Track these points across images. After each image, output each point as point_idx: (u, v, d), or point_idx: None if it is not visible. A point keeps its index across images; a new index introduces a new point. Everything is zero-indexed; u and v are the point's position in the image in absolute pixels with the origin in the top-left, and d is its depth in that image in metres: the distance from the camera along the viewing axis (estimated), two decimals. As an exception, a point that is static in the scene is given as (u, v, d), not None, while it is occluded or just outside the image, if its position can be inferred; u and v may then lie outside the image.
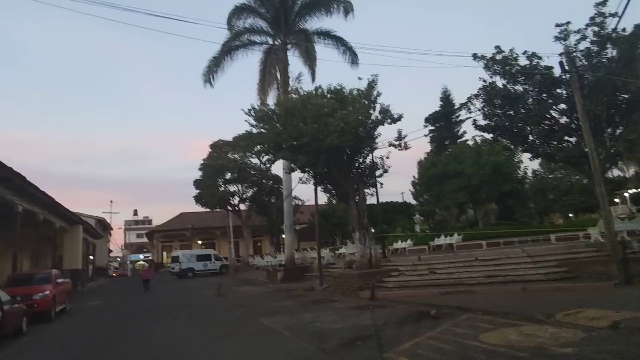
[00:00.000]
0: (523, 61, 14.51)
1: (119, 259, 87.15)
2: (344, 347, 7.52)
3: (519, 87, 14.68)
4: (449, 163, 30.59)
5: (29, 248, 27.29)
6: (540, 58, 14.32)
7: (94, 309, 17.92)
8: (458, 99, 49.96)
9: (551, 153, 14.93)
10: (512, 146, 17.56)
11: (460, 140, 44.79)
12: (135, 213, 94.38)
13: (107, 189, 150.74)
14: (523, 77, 14.48)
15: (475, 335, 7.30)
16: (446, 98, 50.66)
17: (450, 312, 9.81)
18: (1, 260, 28.50)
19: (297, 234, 44.81)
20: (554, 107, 14.44)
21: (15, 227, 19.25)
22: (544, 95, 14.38)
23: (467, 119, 16.18)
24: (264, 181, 41.93)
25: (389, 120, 16.12)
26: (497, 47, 14.61)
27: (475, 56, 14.87)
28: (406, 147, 16.67)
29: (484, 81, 15.14)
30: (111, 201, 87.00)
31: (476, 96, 15.38)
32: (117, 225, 72.71)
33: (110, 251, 69.80)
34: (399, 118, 16.07)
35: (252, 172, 41.51)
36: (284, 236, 31.26)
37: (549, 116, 14.40)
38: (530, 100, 14.43)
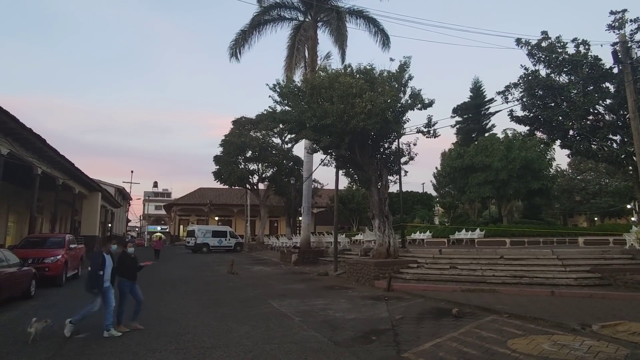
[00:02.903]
0: (570, 50, 13.44)
1: (137, 229, 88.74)
2: (357, 341, 6.97)
3: (563, 78, 13.62)
4: (477, 155, 29.40)
5: (49, 211, 27.56)
6: (588, 47, 13.22)
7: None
8: (489, 92, 48.51)
9: (593, 151, 13.86)
10: (550, 141, 16.47)
11: (488, 134, 43.47)
12: (155, 185, 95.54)
13: (129, 159, 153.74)
14: (569, 67, 13.42)
15: (502, 341, 6.65)
16: (477, 89, 49.12)
17: (473, 311, 9.19)
18: (23, 221, 29.01)
19: (315, 217, 44.56)
20: (601, 101, 13.36)
21: (34, 189, 19.31)
22: (591, 88, 13.30)
23: (498, 112, 15.46)
24: (284, 162, 41.51)
25: (419, 106, 15.30)
26: (543, 32, 13.56)
27: (518, 42, 13.84)
28: (435, 135, 15.85)
29: (526, 69, 14.13)
30: (132, 171, 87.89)
31: (515, 85, 14.39)
32: (137, 196, 73.93)
33: (129, 221, 70.87)
34: (430, 104, 15.24)
35: (273, 152, 41.15)
36: (300, 218, 30.83)
37: (594, 111, 13.34)
38: (575, 92, 13.37)
